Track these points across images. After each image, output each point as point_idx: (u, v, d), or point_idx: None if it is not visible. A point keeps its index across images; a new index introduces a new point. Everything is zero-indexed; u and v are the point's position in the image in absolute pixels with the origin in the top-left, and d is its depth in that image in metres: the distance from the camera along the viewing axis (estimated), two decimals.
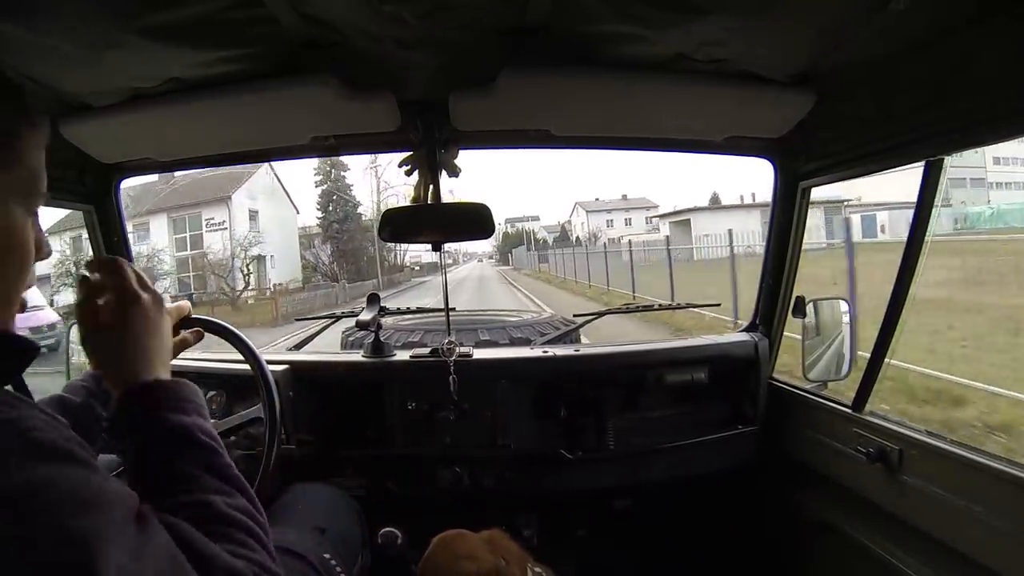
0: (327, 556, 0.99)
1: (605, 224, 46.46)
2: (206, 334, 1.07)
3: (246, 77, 1.01)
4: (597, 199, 51.60)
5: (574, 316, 2.37)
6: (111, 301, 0.62)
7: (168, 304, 1.02)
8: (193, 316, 1.05)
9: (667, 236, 16.45)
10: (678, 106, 1.17)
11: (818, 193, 1.37)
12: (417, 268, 35.87)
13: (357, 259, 26.30)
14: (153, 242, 19.40)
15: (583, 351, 1.60)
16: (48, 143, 0.53)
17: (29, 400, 0.46)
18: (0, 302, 0.49)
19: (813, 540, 1.33)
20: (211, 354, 1.45)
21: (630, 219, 46.63)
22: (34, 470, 0.40)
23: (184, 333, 1.02)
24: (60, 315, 8.68)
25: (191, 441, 0.55)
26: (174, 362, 1.03)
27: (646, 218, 45.45)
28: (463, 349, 1.43)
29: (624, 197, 50.28)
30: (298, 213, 26.60)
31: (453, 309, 1.62)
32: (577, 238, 42.96)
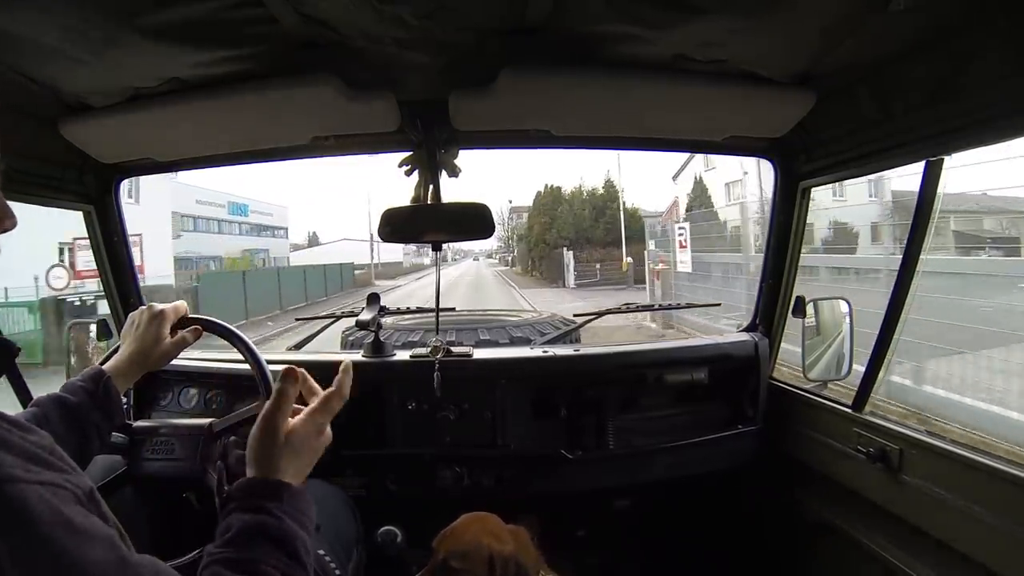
0: (322, 553, 0.99)
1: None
2: (208, 334, 1.08)
3: (246, 77, 1.01)
4: None
5: (574, 316, 2.38)
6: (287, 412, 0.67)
7: (165, 306, 1.03)
8: (191, 316, 1.05)
9: None
10: (678, 106, 1.17)
11: None
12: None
13: None
14: None
15: (583, 351, 1.60)
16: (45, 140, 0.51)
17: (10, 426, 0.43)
18: None
19: (813, 540, 1.33)
20: (211, 354, 1.45)
21: None
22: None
23: (182, 332, 1.03)
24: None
25: (293, 551, 0.58)
26: (175, 362, 1.04)
27: None
28: (463, 349, 1.43)
29: None
30: None
31: (452, 309, 1.63)
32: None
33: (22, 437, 0.43)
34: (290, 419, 0.67)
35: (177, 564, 0.97)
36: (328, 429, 0.71)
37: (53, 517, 0.39)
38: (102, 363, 0.98)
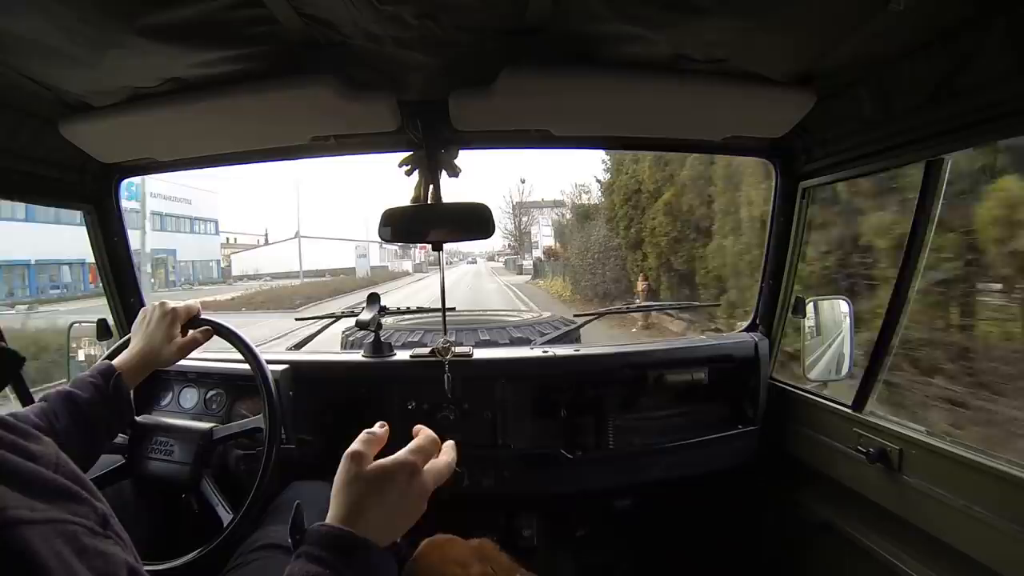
0: None
1: None
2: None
3: (246, 77, 1.01)
4: None
5: (574, 316, 2.38)
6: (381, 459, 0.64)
7: (178, 304, 1.03)
8: (202, 317, 1.06)
9: None
10: (678, 106, 1.17)
11: None
12: None
13: None
14: None
15: (583, 351, 1.60)
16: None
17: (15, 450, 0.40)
18: None
19: (813, 540, 1.33)
20: (212, 354, 1.45)
21: None
22: None
23: (193, 332, 1.03)
24: None
25: None
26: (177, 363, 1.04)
27: None
28: (463, 349, 1.43)
29: None
30: None
31: (452, 309, 1.62)
32: None
33: (25, 454, 0.40)
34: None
35: (175, 565, 0.98)
36: (427, 484, 0.66)
37: (59, 565, 0.37)
38: (110, 357, 0.98)
